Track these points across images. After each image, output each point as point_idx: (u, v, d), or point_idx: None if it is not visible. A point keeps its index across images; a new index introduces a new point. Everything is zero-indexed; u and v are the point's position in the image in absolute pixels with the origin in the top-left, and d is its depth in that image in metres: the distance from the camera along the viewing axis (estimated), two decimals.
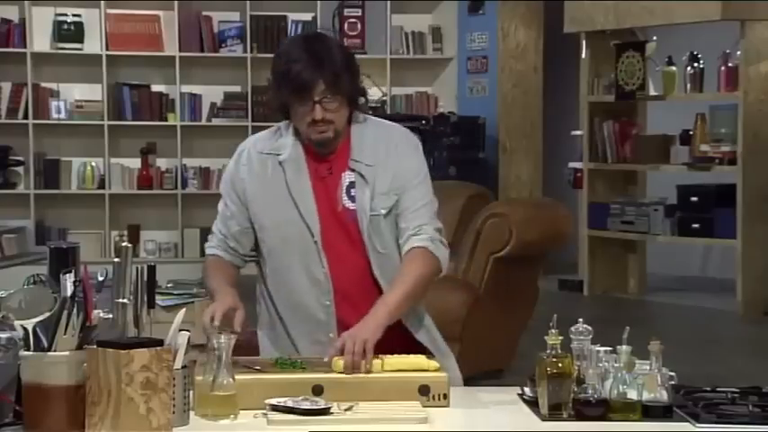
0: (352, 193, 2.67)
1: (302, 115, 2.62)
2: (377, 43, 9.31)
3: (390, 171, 2.67)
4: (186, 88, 9.13)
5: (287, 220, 2.67)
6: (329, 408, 2.26)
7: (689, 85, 7.77)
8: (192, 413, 2.24)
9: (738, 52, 7.46)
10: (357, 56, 9.90)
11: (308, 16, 9.30)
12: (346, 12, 9.24)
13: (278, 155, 2.70)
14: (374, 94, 9.23)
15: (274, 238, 2.70)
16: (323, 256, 2.67)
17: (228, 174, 2.79)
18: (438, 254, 2.67)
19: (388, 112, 9.11)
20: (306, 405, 2.26)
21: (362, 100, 2.73)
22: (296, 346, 2.72)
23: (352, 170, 2.67)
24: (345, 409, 2.27)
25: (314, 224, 2.66)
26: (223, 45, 9.20)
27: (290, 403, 2.26)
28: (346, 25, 9.24)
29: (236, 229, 2.76)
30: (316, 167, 2.68)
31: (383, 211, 2.66)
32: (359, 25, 9.25)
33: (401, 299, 2.59)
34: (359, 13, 9.25)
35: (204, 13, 9.18)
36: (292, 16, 9.27)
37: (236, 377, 2.28)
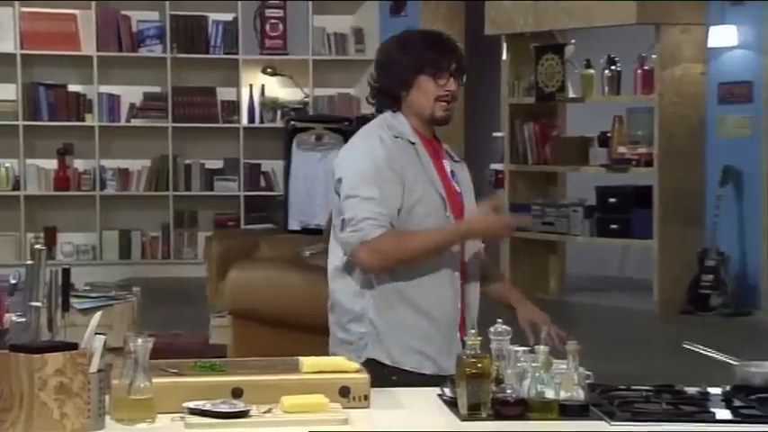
0: (456, 179, 2.86)
1: (434, 89, 2.75)
2: (299, 44, 9.28)
3: (466, 176, 2.92)
4: (104, 88, 9.00)
5: (428, 196, 2.76)
6: (248, 410, 2.24)
7: (606, 88, 7.90)
8: (108, 417, 2.20)
9: (654, 55, 7.60)
10: (278, 57, 9.82)
11: (228, 16, 9.23)
12: (267, 12, 9.20)
13: (406, 137, 2.79)
14: (296, 95, 9.21)
15: (417, 216, 2.75)
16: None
17: (378, 157, 2.73)
18: None
19: (311, 113, 9.10)
20: (224, 408, 2.23)
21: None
22: (431, 316, 2.74)
23: (450, 158, 2.87)
24: (264, 412, 2.25)
25: (445, 197, 2.79)
26: (142, 45, 9.09)
27: (208, 406, 2.24)
28: (268, 26, 9.20)
29: (396, 208, 2.72)
30: (428, 148, 2.82)
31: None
32: (280, 26, 9.21)
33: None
34: (280, 13, 9.21)
35: (123, 12, 9.06)
36: (213, 16, 9.20)
37: (154, 380, 2.25)
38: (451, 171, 2.86)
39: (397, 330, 2.75)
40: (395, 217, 2.71)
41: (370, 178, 2.71)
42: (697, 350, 2.54)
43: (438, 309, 2.76)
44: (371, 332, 2.73)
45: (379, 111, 2.84)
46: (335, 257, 2.80)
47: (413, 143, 2.79)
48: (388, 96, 2.79)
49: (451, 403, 2.33)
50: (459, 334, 2.76)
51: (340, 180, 2.74)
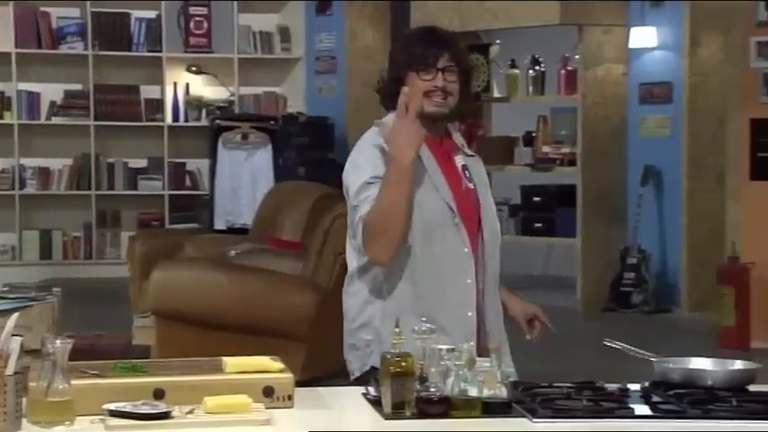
0: (467, 175, 2.79)
1: (422, 84, 2.70)
2: (224, 42, 9.22)
3: (481, 170, 2.85)
4: (24, 86, 8.85)
5: (429, 200, 2.70)
6: (170, 411, 2.21)
7: (531, 88, 7.98)
8: (24, 420, 2.16)
9: (577, 56, 7.69)
10: (202, 55, 9.70)
11: (152, 14, 9.13)
12: (192, 10, 9.11)
13: None
14: (221, 93, 9.14)
15: (417, 221, 2.68)
16: (464, 233, 2.72)
17: (378, 168, 2.69)
18: None
19: (237, 111, 9.04)
20: (145, 409, 2.20)
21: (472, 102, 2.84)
22: (442, 326, 2.62)
23: (462, 153, 2.81)
24: (187, 413, 2.23)
25: (451, 202, 2.72)
26: (62, 42, 8.94)
27: (128, 408, 2.20)
28: (192, 24, 9.11)
29: None
30: (437, 151, 2.77)
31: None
32: (205, 24, 9.13)
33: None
34: (205, 11, 9.13)
35: (42, 8, 8.90)
36: (135, 13, 9.09)
37: (74, 382, 2.21)
38: (463, 166, 2.79)
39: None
40: None
41: (369, 179, 2.70)
42: (617, 347, 2.57)
43: (447, 319, 2.66)
44: (376, 340, 2.70)
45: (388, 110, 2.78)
46: (350, 264, 2.80)
47: None
48: (391, 96, 2.74)
49: (376, 402, 2.32)
50: (474, 344, 2.55)
51: (347, 192, 2.76)
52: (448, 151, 2.79)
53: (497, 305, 2.80)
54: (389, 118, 2.73)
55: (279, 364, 2.41)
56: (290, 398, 2.33)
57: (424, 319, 2.44)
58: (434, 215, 2.69)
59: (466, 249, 2.71)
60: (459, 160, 2.80)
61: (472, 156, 2.84)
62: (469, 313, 2.70)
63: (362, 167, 2.71)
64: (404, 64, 2.74)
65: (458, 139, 2.84)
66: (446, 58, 2.71)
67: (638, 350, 2.52)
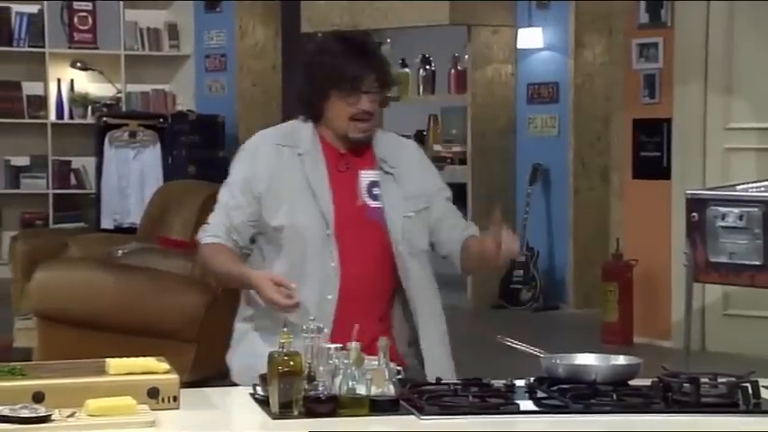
0: (375, 192, 2.69)
1: (347, 108, 2.63)
2: (110, 38, 9.03)
3: (416, 177, 2.74)
4: None
5: (303, 211, 2.65)
6: (50, 415, 2.15)
7: (421, 87, 8.03)
8: None
9: (466, 56, 7.77)
10: (88, 51, 9.51)
11: (33, 8, 8.89)
12: (75, 5, 8.90)
13: (296, 147, 2.69)
14: (108, 90, 8.96)
15: (288, 231, 2.64)
16: (334, 248, 2.64)
17: (243, 168, 2.71)
18: None
19: (124, 109, 8.88)
20: (24, 413, 2.14)
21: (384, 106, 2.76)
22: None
23: (380, 169, 2.70)
24: (68, 416, 2.17)
25: (329, 215, 2.65)
26: None
27: (6, 411, 2.14)
28: (76, 19, 8.91)
29: (240, 221, 2.70)
30: (335, 162, 2.69)
31: (412, 213, 2.71)
32: (90, 19, 8.93)
33: None
34: (89, 6, 8.94)
35: None
36: (16, 8, 8.85)
37: None
38: (372, 183, 2.69)
39: (246, 347, 2.69)
40: (238, 227, 2.69)
41: (231, 184, 2.72)
42: (509, 343, 2.60)
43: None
44: (237, 341, 2.73)
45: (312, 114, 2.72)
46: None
47: (299, 154, 2.68)
48: (307, 105, 2.70)
49: (263, 402, 2.30)
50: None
51: None
52: (350, 163, 2.71)
53: (401, 325, 2.74)
54: (292, 123, 2.71)
55: (164, 365, 2.37)
56: (175, 399, 2.30)
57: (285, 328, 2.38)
58: (305, 224, 2.65)
59: (332, 264, 2.65)
60: (369, 176, 2.71)
61: (390, 174, 2.71)
62: (325, 330, 2.59)
63: (234, 168, 2.73)
64: (327, 80, 2.65)
65: (383, 151, 2.72)
66: (372, 80, 2.64)
67: (528, 347, 2.55)
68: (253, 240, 2.73)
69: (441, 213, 2.80)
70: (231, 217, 2.70)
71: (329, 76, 2.64)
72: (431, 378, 2.55)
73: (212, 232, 2.72)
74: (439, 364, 2.72)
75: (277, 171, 2.68)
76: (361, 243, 2.69)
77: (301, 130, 2.72)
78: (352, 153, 2.71)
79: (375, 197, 2.70)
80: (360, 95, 2.63)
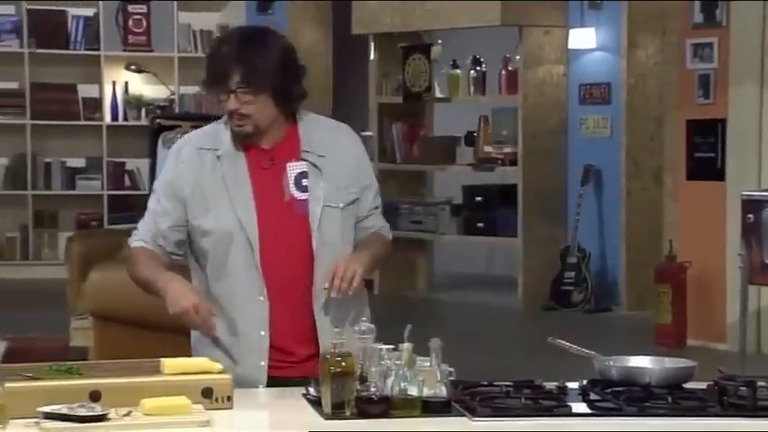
0: (304, 183, 2.63)
1: (223, 105, 2.60)
2: (164, 41, 9.13)
3: (347, 167, 2.66)
4: None
5: (223, 214, 2.61)
6: (106, 414, 2.18)
7: (472, 88, 8.01)
8: None
9: (518, 57, 7.75)
10: (142, 54, 9.63)
11: (89, 12, 9.02)
12: (130, 8, 9.02)
13: (215, 150, 2.64)
14: (161, 92, 9.06)
15: (212, 235, 2.61)
16: (256, 250, 2.59)
17: (167, 172, 2.68)
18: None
19: (177, 111, 8.96)
20: (81, 412, 2.17)
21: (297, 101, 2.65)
22: (229, 346, 2.60)
23: (304, 160, 2.63)
24: (124, 415, 2.20)
25: (249, 219, 2.59)
26: None
27: (64, 410, 2.17)
28: (131, 22, 9.02)
29: (166, 227, 2.66)
30: (256, 160, 2.63)
31: (341, 205, 2.64)
32: (144, 22, 9.04)
33: (373, 258, 2.65)
34: (144, 9, 9.04)
35: None
36: (72, 11, 8.98)
37: (7, 385, 2.17)
38: (300, 174, 2.62)
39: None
40: (164, 233, 2.64)
41: (158, 189, 2.68)
42: (561, 345, 2.58)
43: (235, 337, 2.60)
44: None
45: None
46: None
47: (218, 156, 2.62)
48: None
49: (316, 402, 2.31)
50: (266, 363, 2.57)
51: None
52: (275, 158, 2.63)
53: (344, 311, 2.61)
54: (213, 125, 2.67)
55: (218, 365, 2.39)
56: (229, 399, 2.32)
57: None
58: (224, 228, 2.59)
59: (256, 267, 2.58)
60: (297, 167, 2.63)
61: (315, 165, 2.61)
62: (262, 332, 2.60)
63: (162, 172, 2.69)
64: (206, 74, 2.61)
65: (311, 141, 2.64)
66: (236, 80, 2.54)
67: (580, 348, 2.53)
68: (180, 245, 2.66)
69: (370, 204, 2.72)
70: (157, 222, 2.66)
71: (207, 71, 2.61)
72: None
73: (139, 237, 2.69)
74: None
75: (199, 175, 2.62)
76: (287, 239, 2.60)
77: (222, 131, 2.65)
78: (277, 146, 2.64)
79: (304, 189, 2.63)
80: (227, 95, 2.57)
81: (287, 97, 2.62)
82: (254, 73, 2.55)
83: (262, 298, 2.59)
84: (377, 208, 2.77)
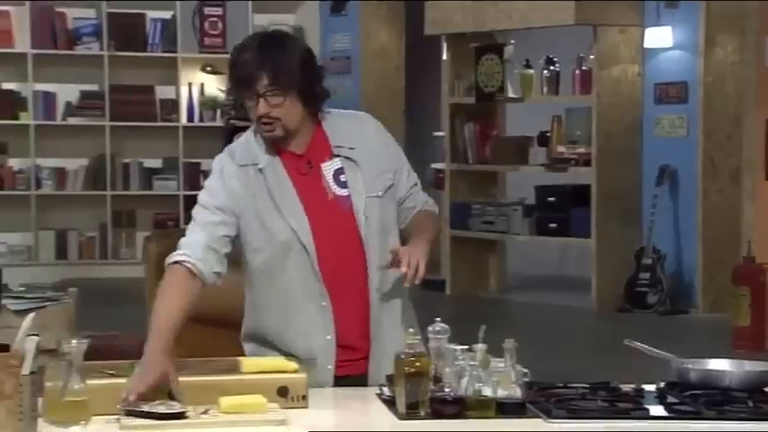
0: (342, 180, 2.62)
1: (251, 111, 2.57)
2: (239, 42, 9.21)
3: (378, 154, 2.66)
4: (39, 86, 8.88)
5: (276, 226, 2.59)
6: (185, 411, 2.22)
7: (545, 88, 7.97)
8: (40, 420, 2.17)
9: (592, 56, 7.68)
10: (217, 55, 9.72)
11: (167, 14, 9.15)
12: (207, 10, 9.13)
13: (256, 164, 2.61)
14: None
15: (266, 249, 2.59)
16: (313, 255, 2.58)
17: (216, 188, 2.61)
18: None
19: None
20: (161, 409, 2.21)
21: (322, 100, 2.63)
22: (291, 351, 2.58)
23: (337, 156, 2.63)
24: (202, 413, 2.24)
25: (301, 226, 2.58)
26: (78, 42, 8.97)
27: (144, 408, 2.21)
28: (207, 24, 9.13)
29: (221, 234, 2.58)
30: (295, 166, 2.62)
31: (380, 193, 2.64)
32: (220, 24, 9.15)
33: (429, 243, 2.62)
34: (220, 11, 9.15)
35: (58, 9, 8.94)
36: (151, 14, 9.12)
37: (89, 382, 2.22)
38: (337, 171, 2.62)
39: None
40: (218, 240, 2.56)
41: (207, 203, 2.60)
42: (637, 347, 2.56)
43: (299, 346, 2.58)
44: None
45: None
46: None
47: (260, 169, 2.59)
48: (238, 110, 2.66)
49: (390, 402, 2.33)
50: (333, 368, 2.57)
51: None
52: (312, 161, 2.63)
53: (395, 307, 2.63)
54: (246, 136, 2.63)
55: (293, 365, 2.42)
56: (304, 398, 2.34)
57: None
58: (280, 239, 2.57)
59: (316, 274, 2.57)
60: (332, 165, 2.63)
61: (349, 158, 2.60)
62: (328, 337, 2.59)
63: (203, 193, 2.62)
64: (231, 79, 2.58)
65: (336, 136, 2.63)
66: (264, 83, 2.51)
67: (657, 351, 2.51)
68: (226, 259, 2.58)
69: (408, 183, 2.71)
70: (212, 231, 2.57)
71: (232, 76, 2.57)
72: (374, 360, 2.54)
73: (186, 249, 2.55)
74: (385, 349, 2.56)
75: (247, 191, 2.59)
76: (338, 238, 2.59)
77: (254, 144, 2.63)
78: (309, 149, 2.62)
79: (344, 184, 2.62)
80: (255, 99, 2.54)
81: (312, 97, 2.60)
82: (281, 74, 2.53)
83: (324, 303, 2.59)
84: (415, 185, 2.74)
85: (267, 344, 2.64)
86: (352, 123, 2.70)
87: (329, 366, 2.58)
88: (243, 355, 2.65)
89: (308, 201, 2.60)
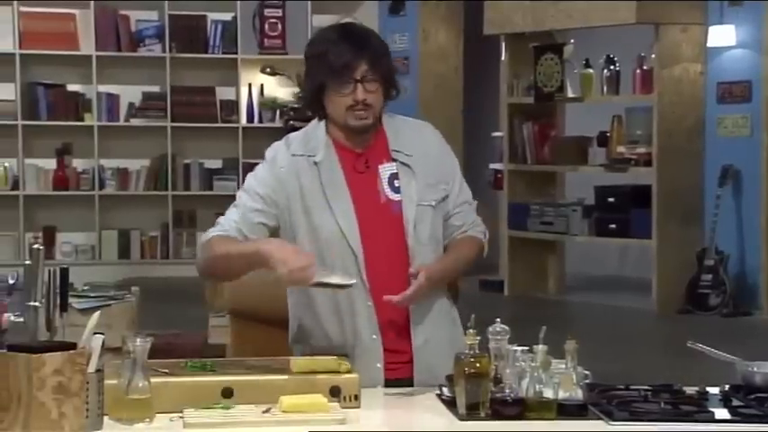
0: (396, 185, 2.61)
1: (342, 99, 2.55)
2: (298, 43, 9.24)
3: (434, 163, 2.65)
4: (103, 88, 9.00)
5: (324, 222, 2.58)
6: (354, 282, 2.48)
7: (605, 88, 7.90)
8: (106, 417, 2.20)
9: (653, 55, 7.60)
10: (277, 56, 9.80)
11: (227, 16, 9.23)
12: (266, 12, 9.19)
13: (311, 156, 2.61)
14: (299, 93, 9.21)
15: (312, 243, 2.58)
16: (360, 257, 2.58)
17: (265, 176, 2.62)
18: (484, 245, 2.74)
19: (310, 113, 9.08)
20: (335, 279, 2.45)
21: (394, 93, 2.64)
22: (338, 350, 2.58)
23: (394, 160, 2.62)
24: (263, 411, 2.25)
25: (349, 225, 2.58)
26: (141, 44, 9.09)
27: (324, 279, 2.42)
28: (267, 25, 9.20)
29: (258, 221, 2.59)
30: (352, 164, 2.62)
31: (433, 203, 2.63)
32: (279, 25, 9.21)
33: (444, 271, 2.62)
34: (279, 13, 9.21)
35: (121, 11, 9.06)
36: (212, 16, 9.20)
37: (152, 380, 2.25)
38: (392, 176, 2.61)
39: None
40: (252, 228, 2.56)
41: (250, 190, 2.61)
42: (701, 349, 2.53)
43: (349, 343, 2.59)
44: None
45: (319, 114, 2.64)
46: None
47: (316, 163, 2.58)
48: (308, 101, 2.61)
49: (449, 403, 2.32)
50: (382, 366, 2.58)
51: None
52: (369, 161, 2.62)
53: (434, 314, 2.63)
54: (305, 129, 2.64)
55: (346, 365, 2.42)
56: (356, 398, 2.35)
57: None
58: (327, 236, 2.56)
59: (360, 275, 2.57)
60: (389, 168, 2.61)
61: (406, 164, 2.59)
62: (374, 336, 2.59)
63: (250, 177, 2.63)
64: (319, 73, 2.55)
65: (397, 140, 2.63)
66: (364, 68, 2.53)
67: (720, 353, 2.48)
68: None
69: (460, 199, 2.68)
70: (249, 217, 2.58)
71: (321, 66, 2.54)
72: (419, 364, 2.55)
73: (222, 228, 2.58)
74: (428, 352, 2.59)
75: (298, 183, 2.59)
76: (386, 242, 2.58)
77: (315, 136, 2.62)
78: (368, 149, 2.62)
79: (397, 190, 2.60)
80: (354, 84, 2.54)
81: (394, 88, 2.62)
82: (378, 60, 2.55)
83: (370, 303, 2.58)
84: (466, 203, 2.70)
85: (314, 346, 2.64)
86: (413, 130, 2.69)
87: (378, 365, 2.59)
88: (292, 354, 2.66)
89: (360, 201, 2.59)
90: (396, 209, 2.60)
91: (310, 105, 2.63)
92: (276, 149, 2.65)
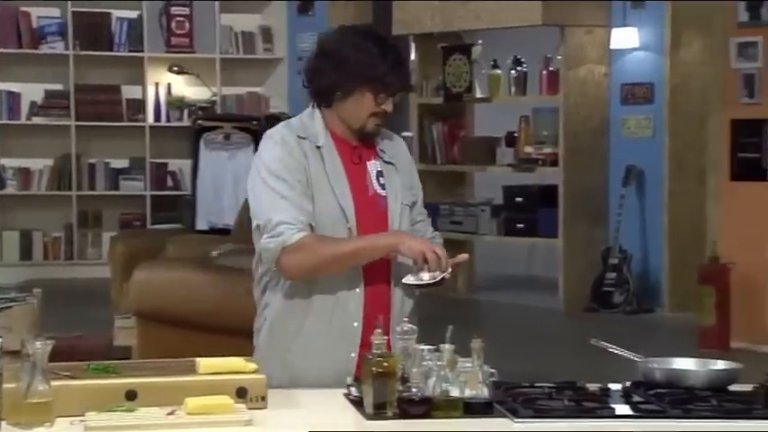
0: (381, 181, 2.74)
1: (371, 105, 2.68)
2: (206, 42, 9.20)
3: (407, 170, 2.81)
4: (3, 86, 8.81)
5: (328, 203, 2.66)
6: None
7: (513, 88, 7.99)
8: (3, 422, 2.14)
9: (559, 56, 7.71)
10: (184, 55, 9.67)
11: (133, 14, 9.10)
12: (173, 10, 9.09)
13: (314, 140, 2.70)
14: (203, 93, 9.12)
15: (316, 223, 2.64)
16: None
17: (284, 157, 2.64)
18: None
19: (219, 111, 9.02)
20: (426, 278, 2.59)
21: None
22: (321, 338, 2.63)
23: (380, 159, 2.75)
24: (168, 414, 2.22)
25: (349, 209, 2.67)
26: (43, 42, 8.91)
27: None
28: (174, 24, 9.09)
29: (310, 210, 2.62)
30: (348, 155, 2.72)
31: (409, 204, 2.79)
32: (187, 24, 9.11)
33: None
34: (186, 11, 9.11)
35: (22, 8, 8.87)
36: (117, 13, 9.07)
37: (53, 383, 2.19)
38: (378, 173, 2.74)
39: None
40: (311, 216, 2.62)
41: (282, 173, 2.61)
42: (604, 347, 2.57)
43: (325, 327, 2.64)
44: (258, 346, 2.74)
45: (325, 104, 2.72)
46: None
47: (319, 147, 2.67)
48: (321, 93, 2.69)
49: (357, 402, 2.32)
50: (356, 355, 2.62)
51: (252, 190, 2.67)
52: (362, 155, 2.73)
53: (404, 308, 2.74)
54: (301, 117, 2.71)
55: (252, 365, 2.40)
56: (263, 398, 2.32)
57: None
58: (326, 219, 2.64)
59: None
60: (375, 166, 2.74)
61: (390, 163, 2.75)
62: (355, 324, 2.64)
63: (269, 161, 2.63)
64: (359, 76, 2.64)
65: (382, 143, 2.77)
66: (401, 86, 2.72)
67: (623, 350, 2.52)
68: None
69: (421, 209, 2.86)
70: (304, 206, 2.61)
71: (368, 76, 2.64)
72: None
73: (296, 228, 2.58)
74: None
75: (306, 162, 2.66)
76: (373, 232, 2.68)
77: (313, 124, 2.71)
78: (362, 145, 2.74)
79: (383, 186, 2.74)
80: (389, 98, 2.70)
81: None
82: (409, 77, 2.78)
83: (358, 290, 2.65)
84: (425, 215, 2.89)
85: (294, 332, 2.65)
86: (391, 138, 2.84)
87: (352, 354, 2.62)
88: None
89: (355, 191, 2.70)
90: (382, 203, 2.72)
91: (323, 97, 2.70)
92: (280, 132, 2.70)
